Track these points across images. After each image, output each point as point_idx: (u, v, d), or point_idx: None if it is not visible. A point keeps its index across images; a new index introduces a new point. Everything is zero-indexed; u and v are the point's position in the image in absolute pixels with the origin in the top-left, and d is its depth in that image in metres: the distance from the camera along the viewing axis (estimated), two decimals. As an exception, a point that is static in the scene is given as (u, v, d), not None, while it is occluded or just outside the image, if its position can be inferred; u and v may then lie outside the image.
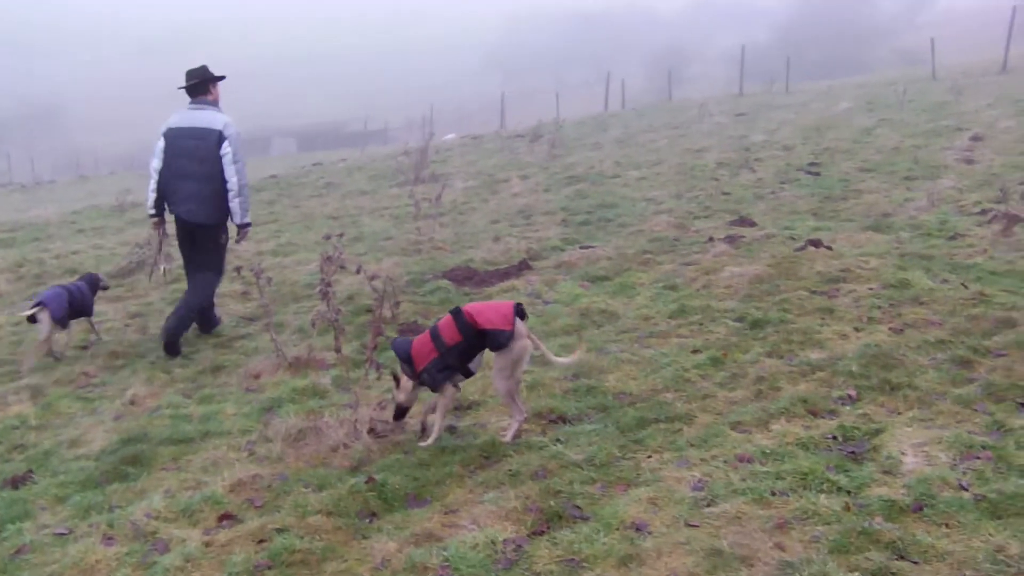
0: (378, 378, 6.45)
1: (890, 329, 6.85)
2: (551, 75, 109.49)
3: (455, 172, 20.54)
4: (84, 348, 8.64)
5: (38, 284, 11.79)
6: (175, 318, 8.35)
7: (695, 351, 6.82)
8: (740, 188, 14.63)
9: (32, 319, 8.30)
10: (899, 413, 5.36)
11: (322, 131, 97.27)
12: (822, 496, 4.32)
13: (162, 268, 9.78)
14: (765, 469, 4.68)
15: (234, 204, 8.45)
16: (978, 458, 4.59)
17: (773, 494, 4.38)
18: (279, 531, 4.46)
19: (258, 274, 7.43)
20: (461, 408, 6.14)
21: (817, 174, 15.23)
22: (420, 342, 5.62)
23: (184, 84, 8.59)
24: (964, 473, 4.44)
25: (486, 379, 6.56)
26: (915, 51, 54.79)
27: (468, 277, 9.89)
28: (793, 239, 10.37)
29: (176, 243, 8.89)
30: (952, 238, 9.91)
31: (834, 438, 5.04)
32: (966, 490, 4.27)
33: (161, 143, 8.45)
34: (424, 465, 5.20)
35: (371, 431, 5.71)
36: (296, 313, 9.12)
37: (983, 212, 10.94)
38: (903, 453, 4.72)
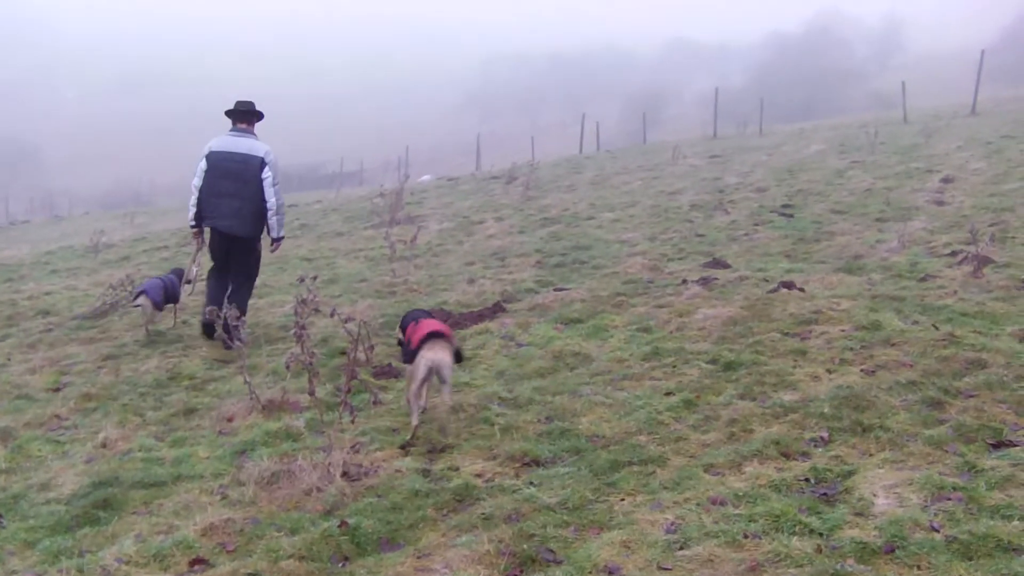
0: (352, 421, 6.42)
1: (862, 371, 6.90)
2: (527, 117, 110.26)
3: (430, 214, 20.57)
4: (56, 391, 8.57)
5: (10, 325, 11.69)
6: (239, 303, 8.87)
7: (668, 393, 6.85)
8: (714, 230, 14.73)
9: (136, 304, 10.21)
10: (871, 454, 5.39)
11: (297, 172, 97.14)
12: (794, 538, 4.34)
13: (194, 271, 10.45)
14: (738, 512, 4.70)
15: (272, 221, 9.58)
16: (949, 499, 4.62)
17: (746, 536, 4.40)
18: (251, 576, 4.44)
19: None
20: (434, 451, 6.13)
21: (790, 216, 15.36)
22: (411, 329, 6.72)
23: (232, 109, 9.68)
24: (935, 514, 4.47)
25: (459, 422, 6.57)
26: (887, 94, 55.44)
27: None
28: (766, 281, 10.45)
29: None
30: (923, 279, 9.99)
31: (806, 480, 5.07)
32: (937, 531, 4.30)
33: (203, 164, 9.42)
34: (397, 509, 5.19)
35: (345, 474, 5.69)
36: (270, 355, 9.07)
37: (953, 253, 11.05)
38: (875, 495, 4.75)
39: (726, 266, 11.67)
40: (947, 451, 5.32)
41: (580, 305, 10.02)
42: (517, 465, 5.76)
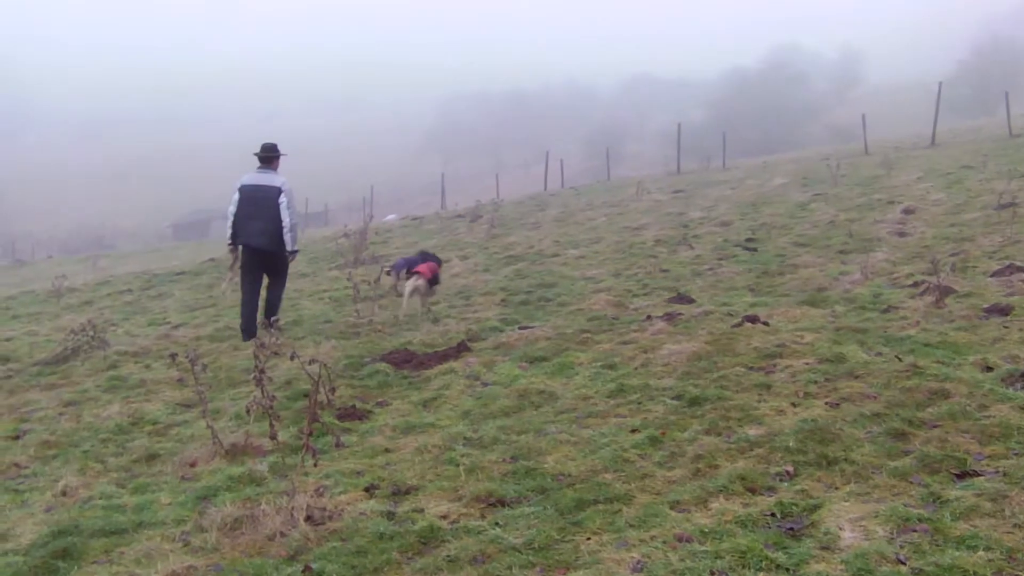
0: (315, 464, 6.35)
1: (826, 403, 6.90)
2: (491, 155, 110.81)
3: (395, 253, 20.50)
4: (15, 438, 8.43)
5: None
6: (273, 307, 12.12)
7: (634, 430, 6.82)
8: (678, 265, 14.79)
9: (388, 275, 13.87)
10: (836, 488, 5.38)
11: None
12: (761, 574, 4.32)
13: (229, 277, 13.04)
14: (704, 548, 4.67)
15: (287, 237, 11.84)
16: (915, 531, 4.62)
17: (712, 573, 4.37)
18: (213, 624, 4.36)
19: (193, 361, 7.34)
20: (399, 493, 6.07)
21: (754, 250, 15.45)
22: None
23: (259, 153, 12.15)
24: (901, 547, 4.46)
25: (424, 463, 6.52)
26: (847, 126, 56.18)
27: (407, 360, 9.83)
28: (731, 315, 10.47)
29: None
30: (886, 311, 10.05)
31: (772, 515, 5.04)
32: (904, 564, 4.29)
33: (237, 195, 11.91)
34: (362, 552, 5.12)
35: (308, 519, 5.61)
36: (233, 399, 8.99)
37: (916, 284, 11.11)
38: (841, 528, 4.73)
39: (690, 301, 11.70)
40: (912, 482, 5.32)
41: (545, 343, 10.00)
42: (482, 505, 5.70)
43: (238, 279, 12.30)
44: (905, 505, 4.95)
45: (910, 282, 11.39)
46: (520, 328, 10.99)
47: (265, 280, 12.30)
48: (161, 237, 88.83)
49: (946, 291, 10.09)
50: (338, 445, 6.63)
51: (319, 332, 12.12)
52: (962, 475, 5.38)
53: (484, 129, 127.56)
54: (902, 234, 15.22)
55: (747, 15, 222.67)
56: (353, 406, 8.28)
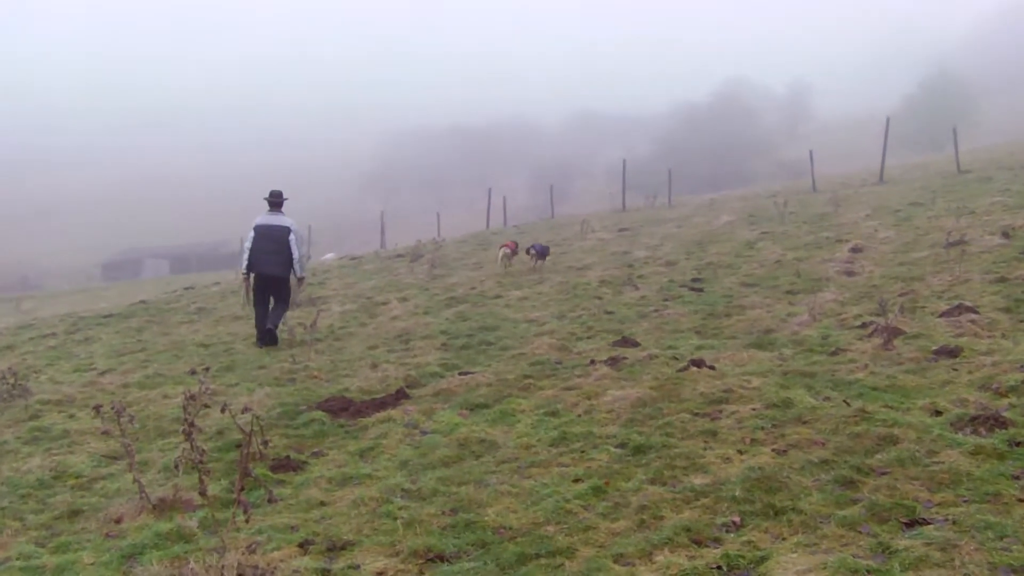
0: (247, 520, 6.09)
1: (773, 450, 6.81)
2: (433, 192, 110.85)
3: (332, 295, 20.26)
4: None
5: None
6: (276, 318, 14.44)
7: (577, 480, 6.66)
8: (623, 307, 14.70)
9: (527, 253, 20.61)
10: (784, 538, 5.27)
11: (197, 252, 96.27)
12: (709, 633, 4.17)
13: (244, 301, 16.50)
14: (650, 606, 4.53)
15: (297, 266, 14.61)
16: (864, 584, 4.52)
17: (659, 634, 4.22)
18: None
19: (119, 412, 7.06)
20: (334, 549, 5.84)
21: (700, 290, 15.42)
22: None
23: (268, 198, 14.80)
24: (850, 602, 4.35)
25: (361, 517, 6.31)
26: (796, 162, 56.80)
27: (344, 408, 9.58)
28: (676, 359, 10.37)
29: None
30: (834, 353, 10.00)
31: (719, 568, 4.94)
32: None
33: (252, 233, 14.49)
34: (295, 613, 4.90)
35: (238, 578, 5.38)
36: (163, 450, 8.70)
37: (864, 325, 11.08)
38: (789, 582, 4.62)
39: (635, 344, 11.59)
40: (861, 532, 5.24)
41: (486, 389, 9.81)
42: (421, 561, 5.52)
43: (250, 303, 15.16)
44: (854, 556, 4.85)
45: (858, 323, 11.35)
46: (461, 374, 10.79)
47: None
48: (90, 277, 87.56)
49: (895, 332, 10.07)
50: (271, 500, 6.40)
51: (253, 378, 11.82)
52: (911, 524, 5.31)
53: (426, 166, 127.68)
54: (850, 273, 15.27)
55: (695, 49, 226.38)
56: (287, 457, 8.04)
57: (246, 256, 14.53)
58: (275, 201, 14.80)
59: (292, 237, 14.46)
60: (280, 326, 14.67)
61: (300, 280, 15.14)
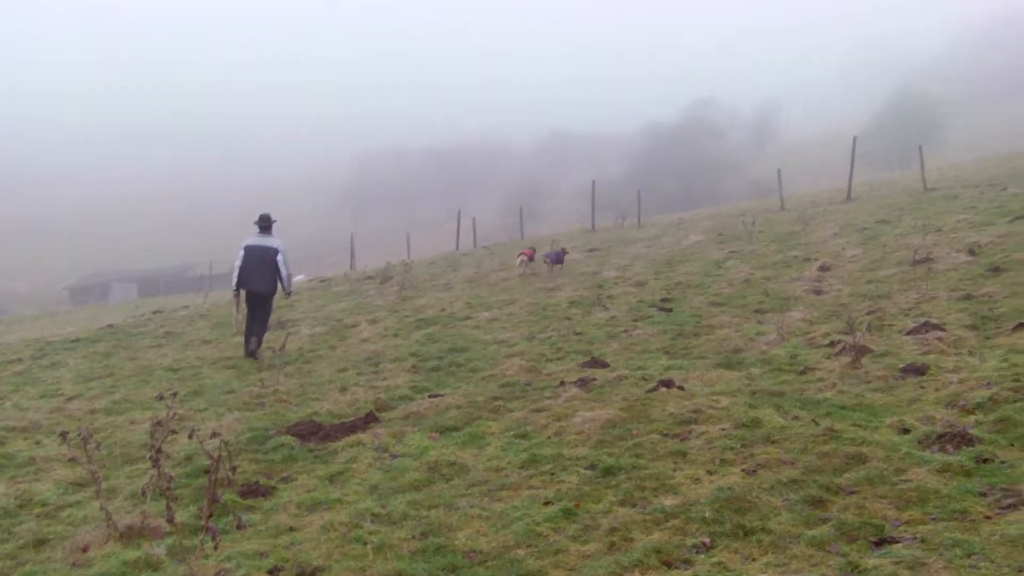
0: (215, 546, 6.04)
1: (743, 471, 6.81)
2: (404, 213, 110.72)
3: (302, 318, 20.17)
4: None
5: None
6: (258, 337, 15.43)
7: (547, 503, 6.65)
8: (593, 327, 14.70)
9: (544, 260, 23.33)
10: (753, 559, 5.28)
11: (165, 275, 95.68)
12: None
13: (236, 317, 17.26)
14: (621, 630, 4.51)
15: (285, 284, 15.73)
16: (834, 605, 4.53)
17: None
18: None
19: (86, 438, 6.98)
20: (304, 574, 5.80)
21: (669, 310, 15.44)
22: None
23: (259, 222, 15.95)
24: (821, 623, 4.36)
25: (330, 542, 6.27)
26: (764, 181, 57.18)
27: (313, 432, 9.52)
28: (645, 379, 10.36)
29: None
30: (802, 372, 10.03)
31: (689, 590, 4.92)
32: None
33: (242, 253, 15.51)
34: (262, 643, 4.85)
35: (205, 608, 5.32)
36: (130, 476, 8.60)
37: (832, 344, 11.10)
38: (759, 605, 4.62)
39: (605, 365, 11.59)
40: (830, 551, 5.25)
41: (456, 412, 9.78)
42: (391, 587, 5.48)
43: (241, 316, 16.38)
44: (823, 576, 4.84)
45: (827, 342, 11.38)
46: (430, 396, 10.76)
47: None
48: (57, 301, 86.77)
49: (862, 351, 10.11)
50: (239, 526, 6.32)
51: (221, 403, 11.72)
52: (880, 542, 5.33)
53: (397, 186, 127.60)
54: (818, 292, 15.34)
55: (664, 70, 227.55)
56: (257, 482, 7.97)
57: (236, 274, 15.59)
58: (264, 224, 15.93)
59: (280, 258, 15.53)
60: (264, 338, 15.86)
61: (288, 295, 16.53)
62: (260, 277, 15.54)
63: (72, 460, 9.28)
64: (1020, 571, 4.77)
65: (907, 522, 5.57)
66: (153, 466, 5.94)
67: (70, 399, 13.24)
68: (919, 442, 7.01)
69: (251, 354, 15.16)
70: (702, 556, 5.42)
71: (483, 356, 13.25)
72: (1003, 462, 6.37)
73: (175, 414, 6.10)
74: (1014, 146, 54.68)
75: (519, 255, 24.54)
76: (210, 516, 5.77)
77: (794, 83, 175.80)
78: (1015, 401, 7.61)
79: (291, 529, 6.71)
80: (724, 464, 7.05)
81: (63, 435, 7.55)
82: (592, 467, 7.39)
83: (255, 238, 15.85)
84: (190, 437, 6.15)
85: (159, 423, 6.03)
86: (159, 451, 5.94)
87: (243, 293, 15.84)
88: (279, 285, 15.84)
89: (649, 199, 41.85)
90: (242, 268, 15.55)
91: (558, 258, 23.42)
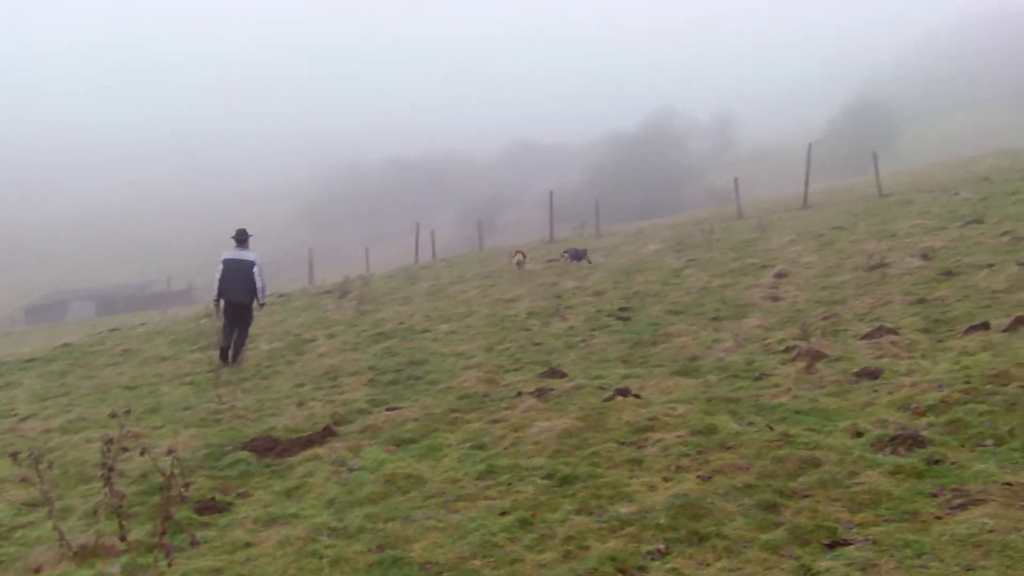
0: (169, 564, 5.99)
1: (698, 477, 6.85)
2: (365, 225, 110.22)
3: (260, 333, 20.03)
4: None
5: None
6: (239, 346, 16.47)
7: (503, 513, 6.65)
8: (551, 338, 14.72)
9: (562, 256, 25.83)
10: (708, 565, 5.32)
11: (123, 293, 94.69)
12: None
13: (216, 319, 17.62)
14: (575, 639, 4.52)
15: (260, 295, 16.64)
16: (786, 609, 4.56)
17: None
18: None
19: (37, 458, 6.90)
20: (260, 592, 5.77)
21: (627, 319, 15.49)
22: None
23: (236, 237, 16.92)
24: (773, 626, 4.39)
25: (287, 557, 6.24)
26: (722, 189, 57.39)
27: (270, 447, 9.46)
28: (602, 389, 10.38)
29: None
30: (758, 378, 10.09)
31: (645, 597, 4.94)
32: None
33: (221, 266, 16.57)
34: (216, 662, 4.82)
35: (159, 626, 5.27)
36: (84, 496, 8.51)
37: (788, 350, 11.17)
38: (711, 610, 4.65)
39: (562, 375, 11.60)
40: (783, 555, 5.30)
41: (413, 424, 9.76)
42: (348, 601, 5.46)
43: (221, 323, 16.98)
44: (777, 580, 4.89)
45: (782, 348, 11.46)
46: (388, 409, 10.73)
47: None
48: (13, 321, 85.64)
49: (817, 356, 10.20)
50: (194, 543, 6.29)
51: (178, 420, 11.63)
52: (832, 545, 5.39)
53: (358, 199, 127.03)
54: (775, 299, 15.45)
55: (624, 80, 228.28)
56: (213, 499, 7.92)
57: (217, 287, 16.69)
58: (241, 238, 16.98)
59: (256, 270, 16.56)
60: (247, 344, 17.09)
61: (261, 305, 17.18)
62: (239, 288, 16.52)
63: (24, 480, 9.19)
64: (969, 570, 4.83)
65: (859, 524, 5.63)
66: (105, 485, 5.89)
67: (24, 419, 13.09)
68: (872, 445, 7.08)
69: (227, 360, 16.12)
70: (657, 563, 5.44)
71: (441, 369, 13.24)
72: (953, 463, 6.44)
73: (129, 432, 6.05)
74: (968, 151, 55.36)
75: (515, 254, 26.50)
76: (163, 533, 5.73)
77: (753, 92, 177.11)
78: (966, 403, 7.70)
79: (247, 545, 6.66)
80: (679, 471, 7.08)
81: (14, 455, 7.46)
82: (548, 477, 7.39)
83: (233, 251, 16.87)
84: (142, 454, 6.11)
85: (110, 441, 5.98)
86: (111, 469, 5.90)
87: (223, 303, 16.70)
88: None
89: (609, 209, 41.95)
90: (222, 280, 16.59)
91: (578, 255, 25.65)
